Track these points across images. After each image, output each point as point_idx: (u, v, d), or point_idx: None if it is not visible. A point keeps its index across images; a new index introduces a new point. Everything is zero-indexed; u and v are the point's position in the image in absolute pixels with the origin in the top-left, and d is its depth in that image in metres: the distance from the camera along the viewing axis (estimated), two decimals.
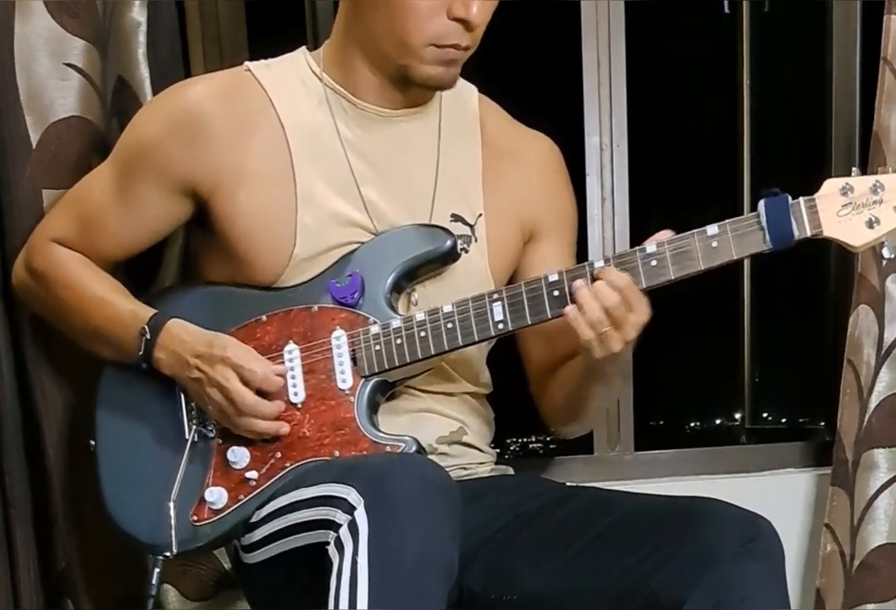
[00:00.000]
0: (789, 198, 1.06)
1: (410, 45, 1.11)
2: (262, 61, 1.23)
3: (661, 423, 2.34)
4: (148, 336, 1.15)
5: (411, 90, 1.18)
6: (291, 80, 1.20)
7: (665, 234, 1.10)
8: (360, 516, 0.96)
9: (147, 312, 1.18)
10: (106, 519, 1.20)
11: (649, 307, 1.10)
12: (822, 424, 1.86)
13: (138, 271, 1.32)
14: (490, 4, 1.12)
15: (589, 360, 1.12)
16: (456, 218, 1.22)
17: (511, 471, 1.33)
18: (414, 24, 1.10)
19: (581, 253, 1.36)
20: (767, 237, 1.06)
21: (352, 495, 0.98)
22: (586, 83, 1.65)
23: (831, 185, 1.06)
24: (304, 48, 1.24)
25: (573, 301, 1.09)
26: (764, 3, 1.95)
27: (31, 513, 1.36)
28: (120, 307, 1.19)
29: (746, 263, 1.94)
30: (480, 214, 1.24)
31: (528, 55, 1.98)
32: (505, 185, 1.26)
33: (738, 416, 2.17)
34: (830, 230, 1.06)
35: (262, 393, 1.14)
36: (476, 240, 1.23)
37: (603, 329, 1.07)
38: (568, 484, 1.29)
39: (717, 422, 2.30)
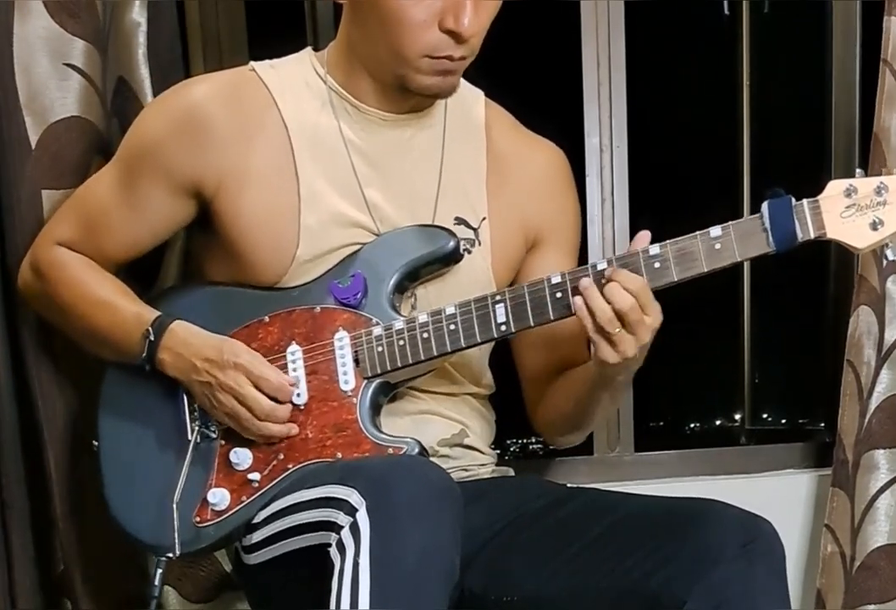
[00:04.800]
0: (793, 199, 1.06)
1: (405, 56, 1.11)
2: (267, 61, 1.22)
3: (661, 424, 2.33)
4: (152, 338, 1.15)
5: (412, 97, 1.17)
6: (296, 80, 1.20)
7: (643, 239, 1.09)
8: (362, 518, 0.96)
9: (151, 313, 1.18)
10: (106, 520, 1.19)
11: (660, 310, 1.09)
12: (822, 424, 1.86)
13: (139, 273, 1.31)
14: (487, 12, 1.11)
15: (602, 366, 1.11)
16: (459, 221, 1.22)
17: (512, 472, 1.33)
18: (407, 36, 1.09)
19: (581, 254, 1.36)
20: (771, 239, 1.06)
21: (353, 497, 0.98)
22: (586, 83, 1.65)
23: (835, 187, 1.06)
24: (309, 49, 1.24)
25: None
26: (764, 3, 1.94)
27: (28, 514, 1.36)
28: (124, 309, 1.19)
29: (746, 264, 1.94)
30: (484, 218, 1.23)
31: (528, 55, 1.98)
32: (510, 189, 1.25)
33: (738, 416, 2.17)
34: (834, 232, 1.05)
35: (271, 399, 1.14)
36: (480, 243, 1.23)
37: (615, 330, 1.06)
38: (568, 485, 1.29)
39: (717, 423, 2.30)
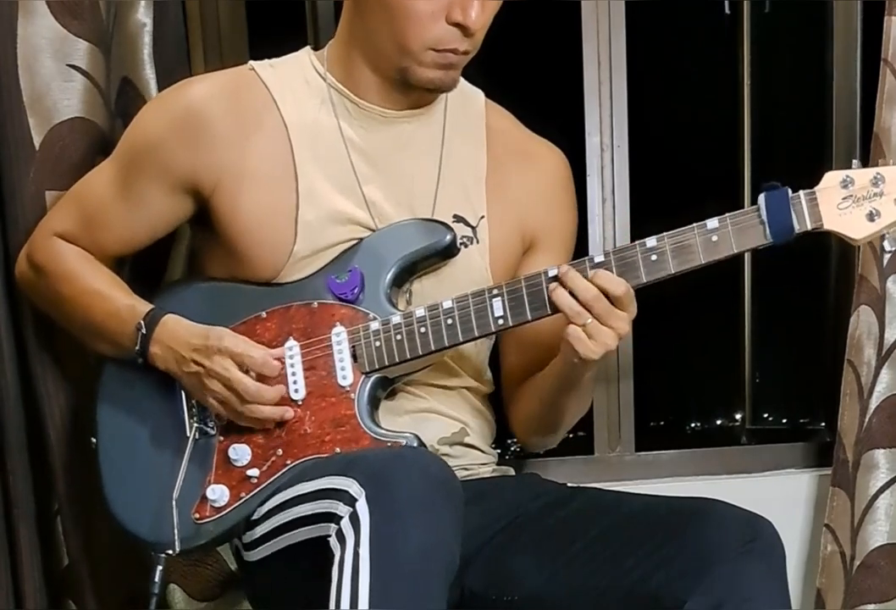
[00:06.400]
0: (789, 191, 1.06)
1: (409, 48, 1.12)
2: (267, 61, 1.23)
3: (662, 423, 2.33)
4: (144, 331, 1.16)
5: (413, 92, 1.18)
6: (295, 79, 1.21)
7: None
8: (362, 508, 0.96)
9: (145, 307, 1.18)
10: (109, 517, 1.20)
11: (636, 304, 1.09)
12: (823, 424, 1.86)
13: (146, 269, 1.32)
14: (491, 8, 1.12)
15: (567, 363, 1.12)
16: (458, 219, 1.22)
17: (512, 471, 1.33)
18: (413, 28, 1.10)
19: (581, 253, 1.35)
20: (768, 231, 1.06)
21: (353, 487, 0.98)
22: (586, 83, 1.65)
23: (831, 178, 1.06)
24: (308, 48, 1.25)
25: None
26: (764, 3, 1.95)
27: (34, 512, 1.36)
28: (118, 302, 1.20)
29: (747, 264, 1.94)
30: (483, 216, 1.24)
31: (528, 55, 1.98)
32: (509, 189, 1.26)
33: (738, 416, 2.17)
34: (831, 223, 1.05)
35: (262, 379, 1.14)
36: (478, 241, 1.23)
37: (585, 321, 1.07)
38: (569, 485, 1.29)
39: (718, 422, 2.29)
